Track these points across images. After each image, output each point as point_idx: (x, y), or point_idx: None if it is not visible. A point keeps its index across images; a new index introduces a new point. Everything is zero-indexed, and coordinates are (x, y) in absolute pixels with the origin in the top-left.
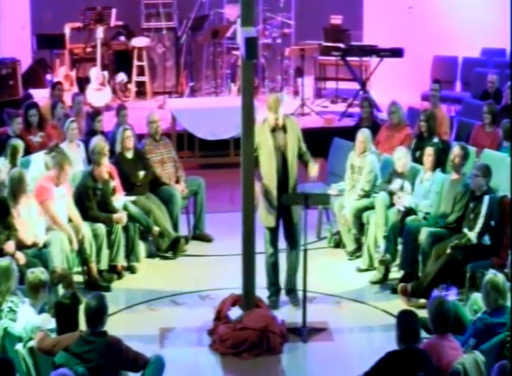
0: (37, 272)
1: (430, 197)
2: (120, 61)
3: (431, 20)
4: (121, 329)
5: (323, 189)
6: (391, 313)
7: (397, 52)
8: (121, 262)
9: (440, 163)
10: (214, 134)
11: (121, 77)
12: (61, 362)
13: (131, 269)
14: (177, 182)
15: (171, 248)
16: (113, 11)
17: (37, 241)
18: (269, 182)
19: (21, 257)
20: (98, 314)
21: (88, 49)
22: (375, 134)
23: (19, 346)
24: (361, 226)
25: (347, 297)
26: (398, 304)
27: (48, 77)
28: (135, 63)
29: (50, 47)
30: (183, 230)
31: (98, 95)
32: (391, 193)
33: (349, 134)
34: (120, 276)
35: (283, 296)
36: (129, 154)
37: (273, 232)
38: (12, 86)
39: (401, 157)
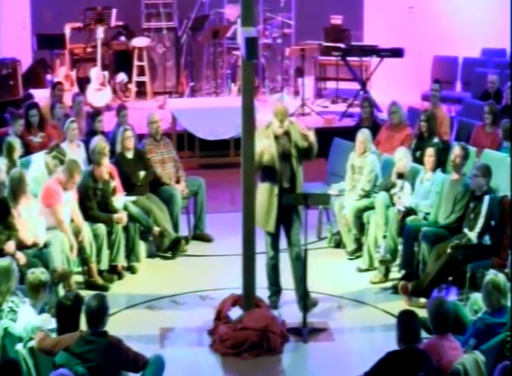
0: (38, 273)
1: (430, 197)
2: (120, 61)
3: (431, 20)
4: (122, 329)
5: (323, 189)
6: (392, 313)
7: (397, 52)
8: (121, 262)
9: (440, 163)
10: (215, 134)
11: (122, 77)
12: (61, 362)
13: (131, 269)
14: (177, 182)
15: (171, 248)
16: (114, 11)
17: (37, 241)
18: (270, 187)
19: (21, 257)
20: (98, 314)
21: (89, 49)
22: (375, 134)
23: (19, 346)
24: (361, 226)
25: (347, 297)
26: (399, 304)
27: (49, 77)
28: (136, 63)
29: (50, 47)
30: (183, 230)
31: (98, 95)
32: (392, 187)
33: (349, 134)
34: (120, 277)
35: (284, 296)
36: (129, 154)
37: (273, 236)
38: (13, 86)
39: (401, 158)
